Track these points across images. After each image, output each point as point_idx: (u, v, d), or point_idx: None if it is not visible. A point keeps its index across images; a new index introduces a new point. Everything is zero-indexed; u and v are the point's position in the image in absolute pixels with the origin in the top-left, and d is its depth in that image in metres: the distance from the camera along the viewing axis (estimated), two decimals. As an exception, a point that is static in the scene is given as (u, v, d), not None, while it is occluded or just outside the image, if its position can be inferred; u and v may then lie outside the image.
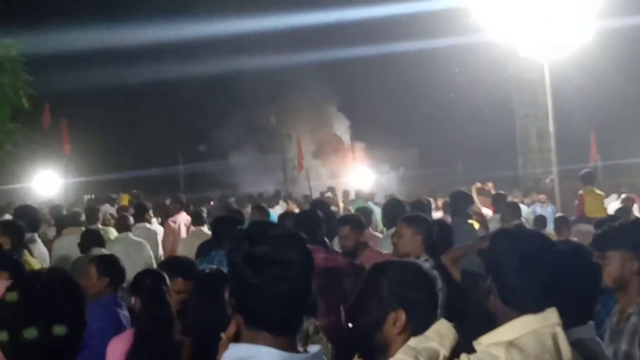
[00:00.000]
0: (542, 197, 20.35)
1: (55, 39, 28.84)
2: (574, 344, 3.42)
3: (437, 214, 15.37)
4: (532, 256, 3.28)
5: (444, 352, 3.08)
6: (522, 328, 3.16)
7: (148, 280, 5.69)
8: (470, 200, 11.49)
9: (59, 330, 2.90)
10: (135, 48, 35.18)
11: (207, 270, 5.81)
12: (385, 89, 41.52)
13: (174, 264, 6.59)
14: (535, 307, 3.21)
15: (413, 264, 3.83)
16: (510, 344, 3.06)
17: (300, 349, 2.72)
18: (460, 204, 11.11)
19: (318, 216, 8.48)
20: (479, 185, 18.73)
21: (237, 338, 2.73)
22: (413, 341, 3.12)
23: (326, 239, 8.65)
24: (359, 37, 36.66)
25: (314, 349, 2.74)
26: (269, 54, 37.41)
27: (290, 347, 2.67)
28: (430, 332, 3.14)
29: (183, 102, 42.14)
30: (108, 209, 18.62)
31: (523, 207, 16.24)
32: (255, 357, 2.60)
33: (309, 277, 2.74)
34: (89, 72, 34.38)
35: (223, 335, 2.73)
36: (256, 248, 2.68)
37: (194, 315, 5.47)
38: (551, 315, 3.21)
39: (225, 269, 6.78)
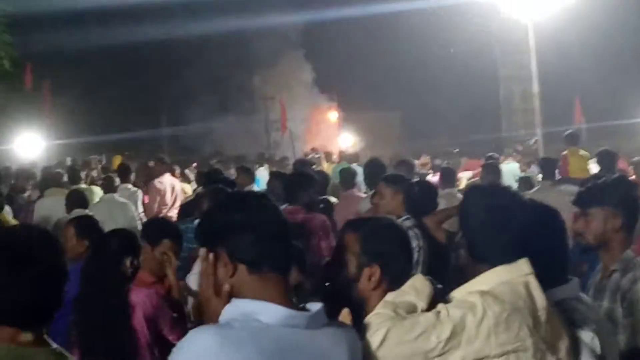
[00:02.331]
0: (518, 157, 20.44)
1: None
2: (557, 304, 3.43)
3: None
4: (499, 211, 3.29)
5: (422, 305, 3.10)
6: (494, 279, 3.18)
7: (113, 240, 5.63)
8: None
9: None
10: (118, 8, 34.93)
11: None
12: (364, 52, 41.42)
13: (161, 225, 6.53)
14: (504, 262, 3.23)
15: (386, 218, 3.86)
16: (485, 292, 3.10)
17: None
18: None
19: (303, 178, 8.52)
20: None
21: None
22: (390, 296, 3.14)
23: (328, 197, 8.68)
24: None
25: (315, 306, 2.76)
26: (249, 16, 37.27)
27: (291, 303, 2.72)
28: (407, 287, 3.17)
29: (166, 64, 41.91)
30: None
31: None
32: (261, 312, 2.63)
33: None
34: (71, 33, 34.14)
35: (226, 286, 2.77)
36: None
37: None
38: (523, 266, 3.23)
39: None
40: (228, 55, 41.47)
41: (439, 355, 2.98)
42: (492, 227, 3.28)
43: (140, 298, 5.34)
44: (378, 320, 3.01)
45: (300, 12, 39.00)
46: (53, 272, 2.95)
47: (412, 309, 3.07)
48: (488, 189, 3.64)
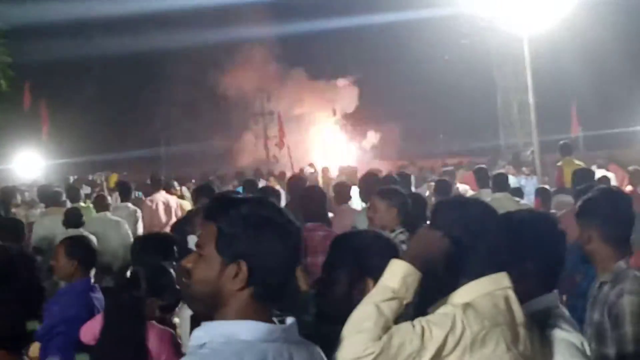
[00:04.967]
0: (526, 169, 20.38)
1: (33, 14, 28.46)
2: (541, 312, 3.43)
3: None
4: (473, 224, 3.25)
5: (409, 298, 3.04)
6: (476, 291, 3.16)
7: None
8: None
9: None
10: (113, 23, 34.94)
11: None
12: (363, 63, 41.41)
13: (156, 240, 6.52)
14: (482, 274, 3.20)
15: (373, 231, 3.89)
16: (467, 305, 3.08)
17: (275, 319, 2.69)
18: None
19: (319, 193, 8.50)
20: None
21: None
22: (378, 296, 3.07)
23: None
24: (337, 7, 36.64)
25: (289, 320, 2.71)
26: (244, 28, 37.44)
27: (271, 320, 2.66)
28: (393, 280, 3.06)
29: (163, 80, 41.82)
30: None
31: (510, 178, 16.40)
32: (240, 332, 2.56)
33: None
34: (69, 51, 34.09)
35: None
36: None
37: None
38: (502, 279, 3.21)
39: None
40: (224, 68, 41.53)
41: None
42: (468, 242, 3.23)
43: (152, 338, 5.10)
44: (368, 337, 2.97)
45: (296, 22, 38.92)
46: (30, 290, 2.96)
47: (398, 307, 3.02)
48: (457, 202, 3.61)
